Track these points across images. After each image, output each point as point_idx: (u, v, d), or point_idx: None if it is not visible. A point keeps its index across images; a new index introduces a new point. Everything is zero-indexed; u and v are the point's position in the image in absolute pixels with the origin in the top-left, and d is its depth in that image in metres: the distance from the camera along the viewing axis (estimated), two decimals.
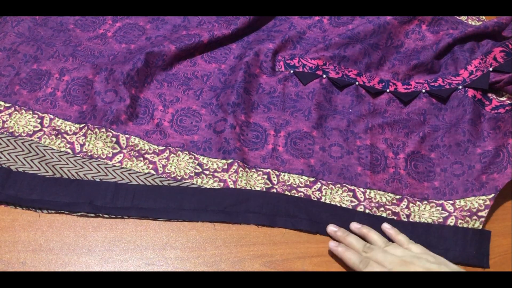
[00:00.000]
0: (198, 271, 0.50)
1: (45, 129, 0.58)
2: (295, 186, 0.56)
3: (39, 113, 0.59)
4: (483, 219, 0.54)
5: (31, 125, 0.58)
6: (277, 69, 0.67)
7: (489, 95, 0.65)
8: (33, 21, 0.68)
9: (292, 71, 0.66)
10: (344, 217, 0.54)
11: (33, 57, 0.64)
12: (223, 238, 0.52)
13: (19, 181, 0.53)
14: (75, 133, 0.58)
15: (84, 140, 0.57)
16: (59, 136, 0.57)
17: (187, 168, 0.56)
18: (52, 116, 0.59)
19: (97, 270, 0.49)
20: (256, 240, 0.53)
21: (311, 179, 0.57)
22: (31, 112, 0.59)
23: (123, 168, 0.55)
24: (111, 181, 0.54)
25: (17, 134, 0.57)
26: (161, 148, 0.58)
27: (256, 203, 0.54)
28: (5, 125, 0.57)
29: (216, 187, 0.55)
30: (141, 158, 0.56)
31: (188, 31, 0.68)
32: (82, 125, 0.59)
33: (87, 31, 0.68)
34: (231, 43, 0.69)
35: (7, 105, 0.59)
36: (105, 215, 0.52)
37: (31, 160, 0.55)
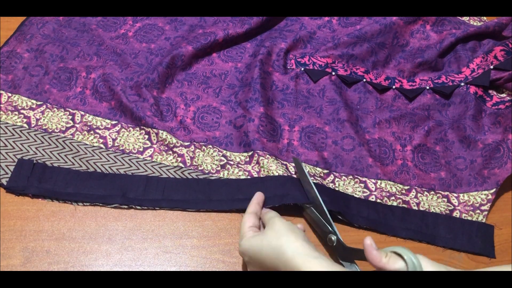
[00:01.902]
0: (213, 258, 0.52)
1: (77, 125, 0.60)
2: (311, 174, 0.58)
3: (70, 109, 0.61)
4: (486, 212, 0.57)
5: (63, 122, 0.60)
6: (288, 67, 0.69)
7: (490, 91, 0.67)
8: (57, 23, 0.70)
9: (302, 69, 0.68)
10: (357, 205, 0.56)
11: (59, 57, 0.66)
12: (237, 227, 0.54)
13: (55, 176, 0.54)
14: (107, 128, 0.60)
15: (116, 136, 0.59)
16: (92, 131, 0.59)
17: (213, 163, 0.58)
18: (83, 113, 0.61)
19: (117, 258, 0.51)
20: None
21: (325, 171, 0.59)
22: (62, 110, 0.61)
23: (153, 162, 0.58)
24: (142, 174, 0.56)
25: (50, 131, 0.59)
26: (186, 143, 0.60)
27: (281, 186, 0.55)
28: (39, 123, 0.59)
29: (242, 177, 0.57)
30: (170, 152, 0.58)
31: (204, 30, 0.70)
32: (115, 122, 0.61)
33: (108, 31, 0.70)
34: (245, 42, 0.71)
35: (39, 103, 0.61)
36: (138, 207, 0.54)
37: (65, 155, 0.57)
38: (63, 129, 0.59)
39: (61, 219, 0.53)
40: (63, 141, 0.58)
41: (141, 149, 0.59)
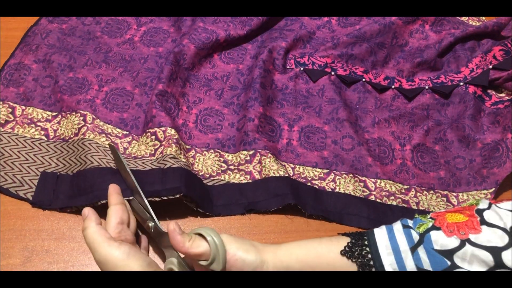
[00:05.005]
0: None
1: (89, 125, 0.59)
2: (309, 179, 0.58)
3: (81, 111, 0.60)
4: None
5: (76, 124, 0.59)
6: (288, 67, 0.69)
7: (489, 91, 0.67)
8: (60, 32, 0.70)
9: (302, 69, 0.69)
10: (357, 205, 0.56)
11: (68, 66, 0.66)
12: (237, 227, 0.54)
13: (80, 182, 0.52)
14: (118, 137, 0.59)
15: (128, 146, 0.59)
16: (103, 134, 0.58)
17: (214, 166, 0.58)
18: (94, 116, 0.60)
19: None
20: (268, 229, 0.54)
21: (325, 171, 0.59)
22: (74, 113, 0.60)
23: (165, 155, 0.55)
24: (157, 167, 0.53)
25: (67, 138, 0.58)
26: (187, 147, 0.60)
27: (280, 185, 0.54)
28: (57, 133, 0.59)
29: (244, 181, 0.57)
30: (178, 145, 0.57)
31: (205, 25, 0.70)
32: (126, 132, 0.60)
33: (114, 37, 0.71)
34: (246, 44, 0.72)
35: (54, 114, 0.61)
36: (157, 199, 0.51)
37: (83, 156, 0.54)
38: (76, 131, 0.58)
39: (61, 219, 0.52)
40: (78, 144, 0.56)
41: (152, 152, 0.57)
